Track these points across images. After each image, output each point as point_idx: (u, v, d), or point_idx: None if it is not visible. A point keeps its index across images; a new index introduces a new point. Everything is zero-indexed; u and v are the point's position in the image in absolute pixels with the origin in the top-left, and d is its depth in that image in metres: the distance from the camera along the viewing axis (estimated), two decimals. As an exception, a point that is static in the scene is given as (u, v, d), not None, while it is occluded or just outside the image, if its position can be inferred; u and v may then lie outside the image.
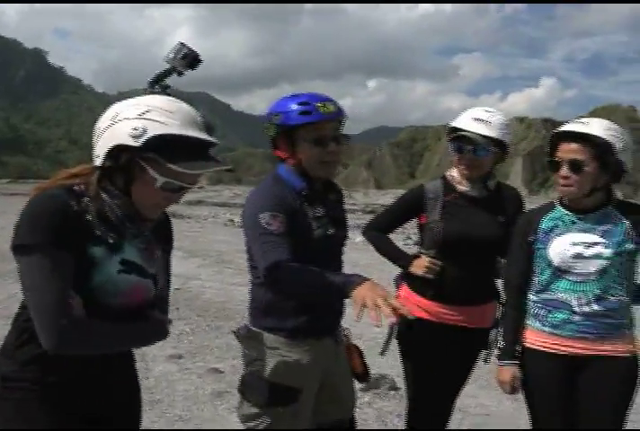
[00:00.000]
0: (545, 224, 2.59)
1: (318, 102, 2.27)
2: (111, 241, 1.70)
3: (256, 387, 2.36)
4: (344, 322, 2.61)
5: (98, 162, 1.70)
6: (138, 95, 1.80)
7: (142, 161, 1.66)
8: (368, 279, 1.95)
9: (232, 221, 24.88)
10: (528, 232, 2.62)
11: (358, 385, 3.92)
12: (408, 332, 2.96)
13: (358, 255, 9.37)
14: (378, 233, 3.11)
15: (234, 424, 4.04)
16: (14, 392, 1.68)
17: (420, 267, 2.89)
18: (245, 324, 2.48)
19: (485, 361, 3.07)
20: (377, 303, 1.80)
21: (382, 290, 1.87)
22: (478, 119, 2.80)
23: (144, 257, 1.80)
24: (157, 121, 1.65)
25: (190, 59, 2.04)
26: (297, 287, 2.14)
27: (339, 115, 2.32)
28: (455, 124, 2.86)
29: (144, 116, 1.65)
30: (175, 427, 4.01)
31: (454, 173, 2.94)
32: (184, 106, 1.73)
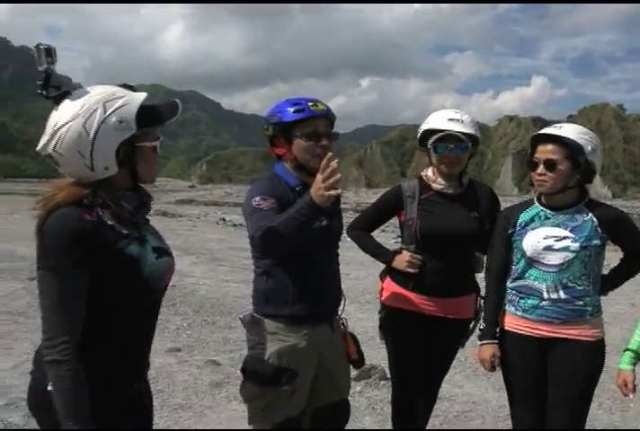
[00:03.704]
0: (522, 218, 2.85)
1: (310, 102, 2.56)
2: (137, 235, 1.84)
3: (257, 369, 2.57)
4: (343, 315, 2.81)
5: (113, 170, 1.80)
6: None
7: (138, 142, 1.83)
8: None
9: (223, 220, 25.01)
10: (507, 225, 2.87)
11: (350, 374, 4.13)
12: (390, 322, 3.17)
13: (352, 253, 9.50)
14: (361, 231, 3.28)
15: (232, 412, 4.26)
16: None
17: (401, 261, 3.07)
18: (250, 311, 2.68)
19: (462, 345, 3.26)
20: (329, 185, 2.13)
21: (317, 183, 2.16)
22: (453, 119, 3.01)
23: (158, 239, 1.98)
24: (122, 106, 1.78)
25: (52, 54, 1.99)
26: (276, 233, 2.25)
27: (328, 113, 2.59)
28: (430, 126, 3.05)
29: (110, 111, 1.77)
30: (177, 415, 4.21)
31: (429, 173, 3.14)
32: (108, 86, 1.86)
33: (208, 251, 12.86)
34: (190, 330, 6.48)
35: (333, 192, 2.14)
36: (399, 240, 3.39)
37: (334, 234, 2.74)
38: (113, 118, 1.76)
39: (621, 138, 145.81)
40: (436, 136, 3.02)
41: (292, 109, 2.53)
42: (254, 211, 2.42)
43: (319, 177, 2.16)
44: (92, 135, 1.75)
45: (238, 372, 4.80)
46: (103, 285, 1.77)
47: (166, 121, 1.90)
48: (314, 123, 2.55)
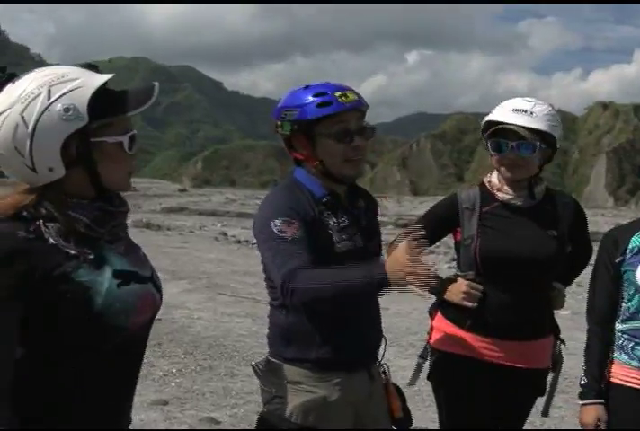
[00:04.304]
0: (634, 242, 2.87)
1: (337, 92, 2.57)
2: (91, 256, 1.81)
3: (276, 429, 2.60)
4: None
5: (60, 172, 1.79)
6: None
7: (94, 137, 1.80)
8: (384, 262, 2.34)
9: (224, 234, 25.11)
10: (615, 252, 2.91)
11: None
12: (442, 372, 3.18)
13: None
14: None
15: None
16: None
17: (456, 292, 3.07)
18: (265, 356, 2.73)
19: (545, 414, 3.29)
20: (415, 273, 2.21)
21: (403, 260, 2.24)
22: (518, 110, 3.03)
23: (131, 261, 1.94)
24: (72, 90, 1.77)
25: None
26: (319, 294, 2.38)
27: (360, 104, 2.62)
28: (490, 118, 3.09)
29: (55, 96, 1.75)
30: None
31: (493, 179, 3.18)
32: (62, 66, 1.86)
33: (204, 276, 12.91)
34: (180, 378, 6.53)
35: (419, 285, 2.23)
36: (454, 264, 3.40)
37: (371, 257, 2.75)
38: (59, 106, 1.75)
39: None
40: (490, 130, 3.06)
41: (316, 102, 2.55)
42: (278, 242, 2.48)
43: (404, 255, 2.25)
44: (31, 126, 1.75)
45: (243, 433, 4.84)
46: (46, 320, 1.77)
47: (130, 111, 1.87)
48: (344, 119, 2.58)
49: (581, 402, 2.97)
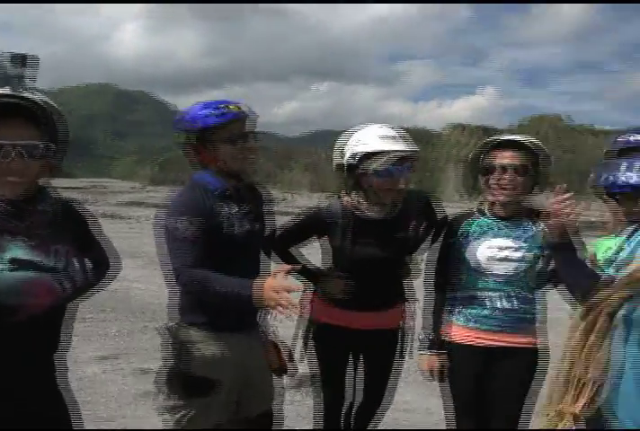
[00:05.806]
0: (464, 228, 2.88)
1: (224, 105, 2.51)
2: None
3: (174, 380, 2.53)
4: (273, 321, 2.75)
5: None
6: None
7: None
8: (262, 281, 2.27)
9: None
10: (449, 235, 2.91)
11: (288, 383, 4.07)
12: (314, 337, 3.09)
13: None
14: (284, 249, 3.09)
15: (157, 424, 4.15)
16: None
17: (334, 288, 2.97)
18: (175, 321, 2.63)
19: (402, 356, 3.19)
20: (279, 303, 2.16)
21: (276, 287, 2.19)
22: (386, 137, 2.77)
23: (37, 253, 1.81)
24: None
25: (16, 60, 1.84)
26: (204, 291, 2.40)
27: (243, 114, 2.54)
28: (364, 149, 2.75)
29: None
30: (101, 427, 4.06)
31: (352, 196, 2.91)
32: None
33: (154, 255, 12.60)
34: (118, 338, 6.45)
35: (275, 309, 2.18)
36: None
37: (256, 237, 2.68)
38: None
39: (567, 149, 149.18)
40: (386, 158, 2.72)
41: (208, 114, 2.48)
42: (171, 238, 2.44)
43: (273, 284, 2.19)
44: None
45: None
46: None
47: None
48: (233, 126, 2.52)
49: (420, 352, 2.97)
